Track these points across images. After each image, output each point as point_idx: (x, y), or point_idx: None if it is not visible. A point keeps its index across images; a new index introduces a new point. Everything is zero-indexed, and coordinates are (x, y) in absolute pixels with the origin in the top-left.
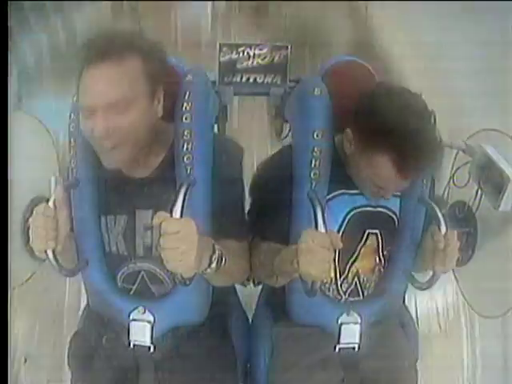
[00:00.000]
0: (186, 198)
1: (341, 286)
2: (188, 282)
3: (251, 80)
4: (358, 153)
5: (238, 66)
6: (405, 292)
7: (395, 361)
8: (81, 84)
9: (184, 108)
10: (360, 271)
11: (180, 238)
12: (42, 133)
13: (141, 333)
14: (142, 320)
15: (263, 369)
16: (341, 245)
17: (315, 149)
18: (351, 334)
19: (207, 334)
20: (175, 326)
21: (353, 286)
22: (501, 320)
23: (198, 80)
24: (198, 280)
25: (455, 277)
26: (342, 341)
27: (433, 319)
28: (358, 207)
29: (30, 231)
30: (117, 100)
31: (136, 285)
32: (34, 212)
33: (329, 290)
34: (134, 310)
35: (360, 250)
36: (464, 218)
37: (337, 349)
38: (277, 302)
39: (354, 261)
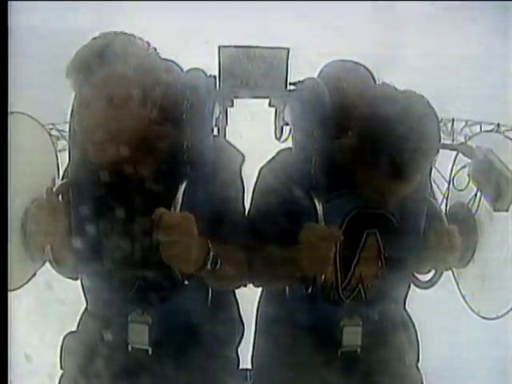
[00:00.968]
0: (185, 196)
1: (343, 291)
2: (186, 280)
3: (251, 82)
4: (357, 159)
5: (238, 68)
6: (407, 294)
7: (396, 363)
8: (77, 78)
9: (184, 108)
10: (363, 276)
11: (179, 231)
12: (41, 133)
13: (139, 335)
14: (141, 322)
15: (263, 370)
16: (341, 237)
17: (316, 148)
18: (353, 336)
19: (205, 335)
20: (173, 327)
21: (356, 292)
22: None
23: (198, 81)
24: (197, 281)
25: (455, 278)
26: (343, 344)
27: None
28: (358, 208)
29: (28, 226)
30: (108, 96)
31: (134, 291)
32: (32, 207)
33: (330, 294)
34: (132, 311)
35: (361, 252)
36: (463, 220)
37: (338, 351)
38: (277, 304)
39: (356, 264)
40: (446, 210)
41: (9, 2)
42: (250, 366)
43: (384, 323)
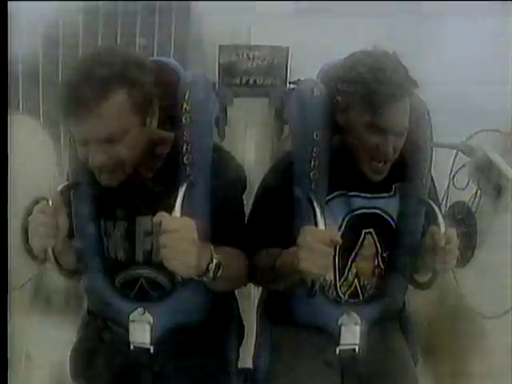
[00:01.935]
0: (186, 198)
1: (340, 287)
2: (187, 283)
3: (251, 82)
4: (349, 116)
5: (238, 67)
6: (405, 293)
7: (395, 362)
8: (70, 117)
9: (184, 109)
10: (360, 273)
11: (180, 236)
12: (41, 133)
13: (140, 334)
14: (142, 321)
15: (263, 370)
16: (340, 241)
17: (315, 150)
18: (351, 335)
19: (206, 334)
20: (175, 326)
21: (353, 288)
22: None
23: (198, 81)
24: (197, 281)
25: (455, 277)
26: (342, 342)
27: None
28: (356, 209)
29: (30, 229)
30: (108, 135)
31: (135, 290)
32: (34, 210)
33: (328, 292)
34: (133, 311)
35: (358, 250)
36: (463, 219)
37: (337, 350)
38: (277, 303)
39: (353, 261)
40: (445, 208)
41: (9, 2)
42: (250, 366)
43: (383, 322)
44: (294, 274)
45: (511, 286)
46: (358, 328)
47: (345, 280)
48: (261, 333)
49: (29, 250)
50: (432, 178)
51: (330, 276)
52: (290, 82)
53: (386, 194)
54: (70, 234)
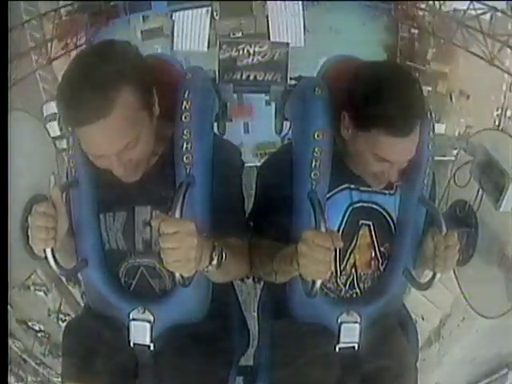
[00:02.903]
0: (186, 197)
1: (339, 277)
2: (187, 283)
3: (251, 78)
4: (355, 133)
5: (238, 63)
6: (404, 292)
7: (395, 360)
8: (80, 136)
9: (183, 107)
10: (357, 263)
11: (179, 238)
12: (41, 132)
13: (140, 332)
14: (142, 319)
15: (263, 366)
16: (341, 243)
17: (316, 149)
18: (351, 333)
19: (206, 332)
20: (174, 324)
21: (351, 279)
22: None
23: (198, 78)
24: (198, 279)
25: (455, 276)
26: (341, 340)
27: None
28: (355, 202)
29: (30, 230)
30: (125, 145)
31: (136, 280)
32: (34, 211)
33: (329, 281)
34: (133, 309)
35: (356, 241)
36: (465, 218)
37: (336, 348)
38: (277, 300)
39: (352, 252)
40: (446, 207)
41: (9, 2)
42: (250, 363)
43: (382, 321)
44: (293, 272)
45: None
46: (357, 326)
47: (343, 269)
48: (261, 330)
49: (29, 249)
50: (434, 177)
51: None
52: (290, 78)
53: (386, 192)
54: (70, 232)
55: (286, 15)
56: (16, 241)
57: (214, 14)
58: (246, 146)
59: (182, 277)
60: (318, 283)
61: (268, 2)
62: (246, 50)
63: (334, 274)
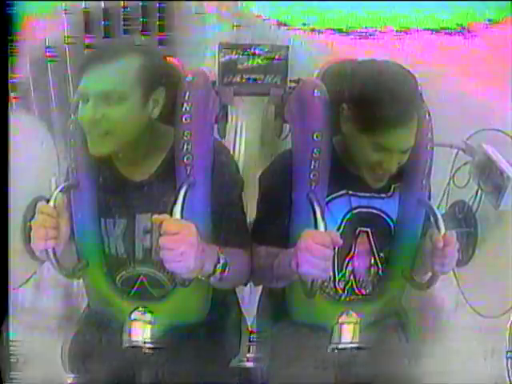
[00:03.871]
0: (186, 199)
1: (338, 283)
2: (187, 283)
3: (251, 80)
4: (355, 123)
5: (238, 66)
6: (403, 293)
7: (394, 361)
8: (82, 74)
9: (184, 109)
10: (355, 271)
11: (179, 238)
12: (42, 133)
13: (140, 333)
14: (142, 320)
15: (263, 368)
16: (341, 242)
17: (315, 150)
18: (350, 334)
19: (206, 334)
20: (175, 326)
21: (349, 285)
22: None
23: (198, 81)
24: (198, 280)
25: (455, 276)
26: (341, 341)
27: None
28: (354, 208)
29: (30, 227)
30: (108, 91)
31: (135, 288)
32: (36, 209)
33: (327, 287)
34: (133, 310)
35: (354, 248)
36: (464, 218)
37: (336, 349)
38: (277, 302)
39: (350, 259)
40: (446, 207)
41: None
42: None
43: (382, 322)
44: (293, 274)
45: (511, 285)
46: (356, 327)
47: (342, 276)
48: (260, 331)
49: (29, 251)
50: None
51: (329, 273)
52: (290, 81)
53: (384, 195)
54: (71, 234)
55: None
56: (17, 242)
57: None
58: None
59: (181, 278)
60: (317, 282)
61: None
62: (245, 53)
63: (333, 280)
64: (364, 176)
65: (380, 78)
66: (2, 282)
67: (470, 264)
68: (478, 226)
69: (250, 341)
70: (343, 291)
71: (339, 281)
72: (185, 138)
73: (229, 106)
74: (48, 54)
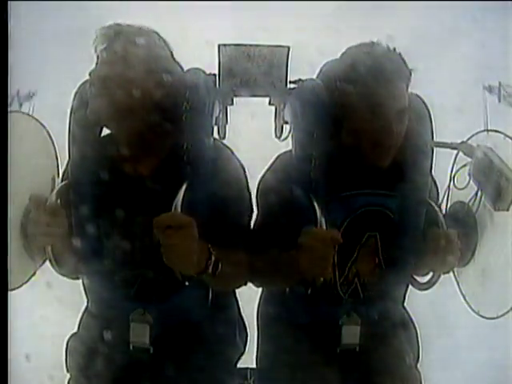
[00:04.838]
0: (185, 197)
1: (341, 286)
2: (187, 281)
3: (251, 81)
4: (351, 108)
5: (238, 66)
6: (405, 293)
7: (395, 362)
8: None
9: (184, 108)
10: (360, 272)
11: (181, 234)
12: (41, 133)
13: (140, 334)
14: (142, 321)
15: (265, 369)
16: (341, 240)
17: (315, 150)
18: (352, 334)
19: (206, 334)
20: (174, 326)
21: (353, 287)
22: None
23: (198, 80)
24: (197, 281)
25: (455, 277)
26: (342, 342)
27: None
28: (359, 208)
29: (29, 228)
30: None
31: (135, 289)
32: (32, 208)
33: (329, 291)
34: (133, 311)
35: (359, 250)
36: (464, 219)
37: (337, 350)
38: (278, 303)
39: (354, 261)
40: (446, 209)
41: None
42: (251, 365)
43: (383, 322)
44: (295, 275)
45: (511, 285)
46: (358, 328)
47: (345, 279)
48: (262, 332)
49: (28, 249)
50: (433, 178)
51: (330, 274)
52: (290, 82)
53: (387, 194)
54: (70, 233)
55: None
56: (16, 242)
57: None
58: None
59: (181, 275)
60: (319, 281)
61: None
62: (245, 54)
63: (335, 283)
64: (369, 157)
65: (366, 60)
66: (1, 282)
67: (470, 264)
68: (477, 227)
69: (250, 341)
70: (345, 294)
71: (342, 285)
72: (184, 136)
73: (229, 107)
74: None
